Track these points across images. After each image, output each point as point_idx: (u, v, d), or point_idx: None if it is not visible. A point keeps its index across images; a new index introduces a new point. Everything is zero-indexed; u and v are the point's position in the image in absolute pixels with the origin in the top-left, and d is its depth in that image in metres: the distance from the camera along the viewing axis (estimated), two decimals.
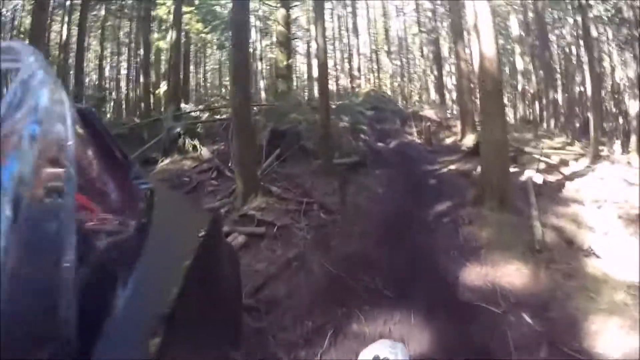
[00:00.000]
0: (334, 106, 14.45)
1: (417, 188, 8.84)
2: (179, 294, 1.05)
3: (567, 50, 20.85)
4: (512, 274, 4.91)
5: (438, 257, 5.45)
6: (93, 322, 0.78)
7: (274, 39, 19.58)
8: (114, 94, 21.03)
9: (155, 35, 17.17)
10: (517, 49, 19.49)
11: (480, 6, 6.72)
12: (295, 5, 18.29)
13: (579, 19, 17.37)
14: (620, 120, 19.13)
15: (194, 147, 10.46)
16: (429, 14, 25.66)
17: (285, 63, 16.14)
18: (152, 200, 1.33)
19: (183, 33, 18.27)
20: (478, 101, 23.22)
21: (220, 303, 1.66)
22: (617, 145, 14.74)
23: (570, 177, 9.02)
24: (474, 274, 5.01)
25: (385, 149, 12.78)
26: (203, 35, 19.06)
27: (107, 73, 20.57)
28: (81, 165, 0.96)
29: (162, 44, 16.66)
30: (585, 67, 18.51)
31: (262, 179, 7.51)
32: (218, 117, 13.16)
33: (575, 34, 19.17)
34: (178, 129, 10.88)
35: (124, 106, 20.50)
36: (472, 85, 16.02)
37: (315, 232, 5.96)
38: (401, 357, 1.43)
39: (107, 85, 20.49)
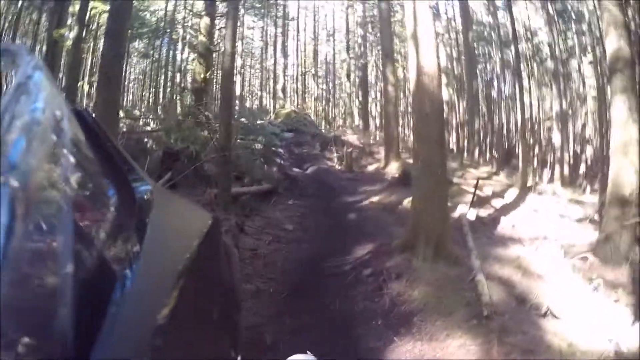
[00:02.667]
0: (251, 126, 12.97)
1: (334, 225, 7.33)
2: (178, 294, 1.02)
3: (492, 83, 21.30)
4: (457, 354, 3.39)
5: (356, 331, 3.82)
6: (91, 323, 0.73)
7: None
8: None
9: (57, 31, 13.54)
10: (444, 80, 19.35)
11: (421, 9, 5.27)
12: (222, 15, 15.53)
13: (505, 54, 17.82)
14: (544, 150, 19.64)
15: None
16: (359, 40, 25.34)
17: (202, 76, 13.98)
18: (152, 201, 1.28)
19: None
20: (405, 127, 22.98)
21: (219, 303, 1.53)
22: (545, 175, 14.95)
23: (504, 211, 8.16)
24: (405, 356, 3.43)
25: (302, 175, 11.27)
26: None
27: None
28: (78, 166, 0.91)
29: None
30: (510, 100, 19.03)
31: None
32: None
33: (500, 69, 19.57)
34: None
35: None
36: (398, 111, 15.34)
37: None
38: None
39: None
